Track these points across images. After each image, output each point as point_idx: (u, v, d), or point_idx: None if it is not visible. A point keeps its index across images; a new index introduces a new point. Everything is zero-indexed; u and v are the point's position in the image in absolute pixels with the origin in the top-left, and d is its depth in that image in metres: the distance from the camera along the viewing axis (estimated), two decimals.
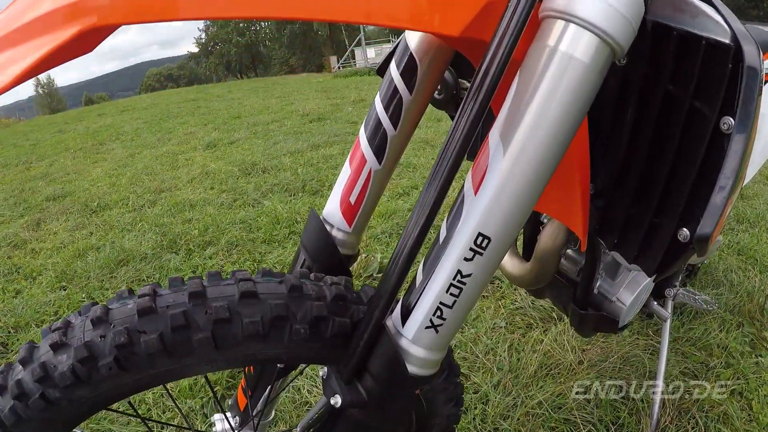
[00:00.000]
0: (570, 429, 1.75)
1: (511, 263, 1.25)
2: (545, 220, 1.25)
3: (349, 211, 1.06)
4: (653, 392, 1.79)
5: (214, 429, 1.14)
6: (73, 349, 0.73)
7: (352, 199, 1.05)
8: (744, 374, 1.94)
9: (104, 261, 3.39)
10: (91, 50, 0.60)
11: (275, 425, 1.84)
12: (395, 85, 0.99)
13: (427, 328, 0.79)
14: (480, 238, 0.73)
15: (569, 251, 1.27)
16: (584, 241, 0.94)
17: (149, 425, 1.66)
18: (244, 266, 3.15)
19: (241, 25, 70.66)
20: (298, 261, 1.05)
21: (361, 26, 41.47)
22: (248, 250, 3.36)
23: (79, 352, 0.73)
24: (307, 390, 1.98)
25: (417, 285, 0.80)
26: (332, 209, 1.07)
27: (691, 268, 2.44)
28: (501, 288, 2.64)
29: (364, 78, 18.74)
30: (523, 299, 2.49)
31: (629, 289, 1.23)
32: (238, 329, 0.78)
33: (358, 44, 38.91)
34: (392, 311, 0.84)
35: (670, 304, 1.70)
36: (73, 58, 0.60)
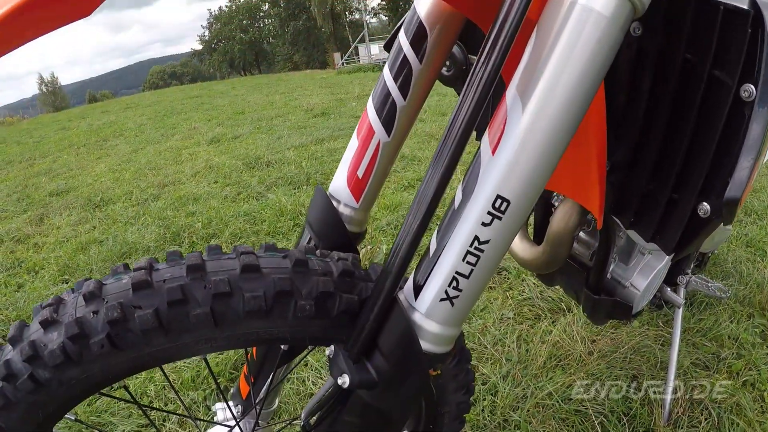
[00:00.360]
0: (581, 420, 1.71)
1: (521, 247, 1.21)
2: (556, 203, 1.21)
3: (356, 186, 1.02)
4: (664, 384, 1.76)
5: (215, 419, 1.10)
6: (64, 326, 0.69)
7: (360, 173, 1.01)
8: (756, 365, 1.90)
9: (107, 254, 3.38)
10: (88, 14, 0.57)
11: (278, 415, 1.81)
12: (404, 55, 0.95)
13: (441, 300, 0.75)
14: (498, 201, 0.69)
15: (582, 234, 1.24)
16: (600, 219, 0.90)
17: (148, 414, 1.63)
18: None
19: (244, 22, 70.68)
20: (303, 239, 1.01)
21: (365, 23, 41.45)
22: (252, 242, 3.33)
23: (69, 328, 0.69)
24: (312, 381, 1.95)
25: (430, 255, 0.76)
26: (339, 184, 1.03)
27: (701, 258, 2.41)
28: (508, 279, 2.60)
29: (368, 74, 18.68)
30: (531, 290, 2.45)
31: (643, 274, 1.20)
32: (239, 304, 0.73)
33: (362, 41, 38.85)
34: (403, 286, 0.80)
35: (682, 291, 1.66)
36: (70, 21, 0.56)
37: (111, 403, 1.97)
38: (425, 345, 0.77)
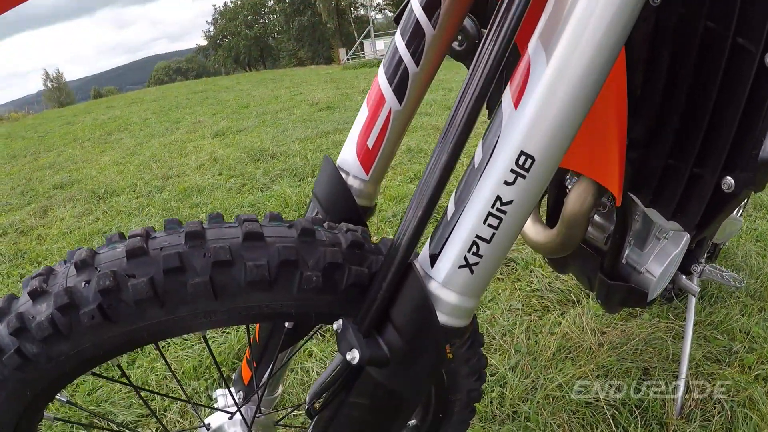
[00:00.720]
0: (592, 413, 1.68)
1: (534, 230, 1.17)
2: (570, 186, 1.18)
3: (366, 156, 0.97)
4: (677, 376, 1.73)
5: (216, 406, 1.05)
6: (53, 296, 0.65)
7: (370, 143, 0.96)
8: None
9: None
10: None
11: (282, 405, 1.78)
12: (417, 20, 0.90)
13: (461, 267, 0.70)
14: (522, 158, 0.64)
15: (596, 217, 1.20)
16: (619, 196, 0.86)
17: (143, 396, 1.59)
18: None
19: (249, 17, 70.64)
20: (310, 211, 0.97)
21: (370, 18, 41.38)
22: None
23: (58, 299, 0.65)
24: (316, 372, 1.92)
25: (448, 218, 0.71)
26: (348, 156, 0.99)
27: (712, 249, 2.37)
28: (516, 270, 2.57)
29: (374, 69, 18.61)
30: (540, 281, 2.42)
31: (658, 260, 1.16)
32: (241, 274, 0.69)
33: (367, 36, 38.81)
34: (416, 257, 0.76)
35: (696, 280, 1.63)
36: None
37: (111, 393, 1.95)
38: (442, 317, 0.72)
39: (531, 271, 2.52)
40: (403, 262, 0.70)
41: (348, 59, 33.74)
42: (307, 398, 0.85)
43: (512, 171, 0.65)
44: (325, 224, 0.80)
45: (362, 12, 58.59)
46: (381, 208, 3.49)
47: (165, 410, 1.82)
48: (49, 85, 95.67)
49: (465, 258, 0.69)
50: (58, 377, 0.69)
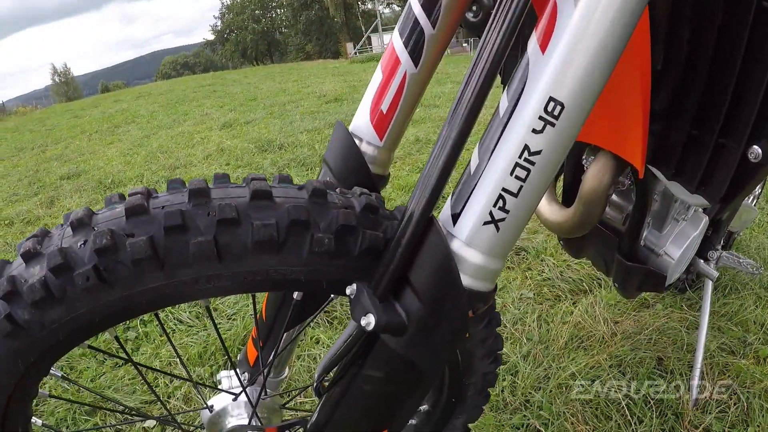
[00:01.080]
0: (607, 403, 1.64)
1: (550, 210, 1.13)
2: (587, 165, 1.14)
3: (380, 121, 0.93)
4: (692, 366, 1.70)
5: (219, 386, 1.01)
6: (47, 256, 0.62)
7: (384, 108, 0.93)
8: None
9: None
10: None
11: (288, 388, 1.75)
12: None
13: (485, 224, 0.66)
14: (551, 105, 0.61)
15: (615, 197, 1.16)
16: (642, 169, 0.83)
17: (148, 382, 1.56)
18: None
19: (256, 12, 70.53)
20: (321, 179, 0.93)
21: (377, 12, 41.32)
22: None
23: (52, 259, 0.61)
24: None
25: (471, 171, 0.67)
26: (361, 122, 0.95)
27: (727, 238, 2.33)
28: (527, 259, 2.54)
29: None
30: (551, 270, 2.38)
31: (677, 242, 1.14)
32: (247, 234, 0.64)
33: (375, 30, 38.73)
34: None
35: (713, 266, 1.59)
36: None
37: (114, 380, 1.93)
38: (466, 280, 0.67)
39: (542, 260, 2.49)
40: (424, 217, 0.66)
41: (356, 53, 33.68)
42: (316, 374, 0.80)
43: (540, 118, 0.61)
44: (337, 189, 0.76)
45: (369, 6, 58.46)
46: (389, 198, 3.46)
47: (168, 397, 1.80)
48: (57, 79, 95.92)
49: (490, 213, 0.65)
50: (52, 347, 0.65)
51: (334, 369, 0.80)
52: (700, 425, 1.56)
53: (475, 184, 0.66)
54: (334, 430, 0.81)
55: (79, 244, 0.62)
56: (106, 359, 2.08)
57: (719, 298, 2.15)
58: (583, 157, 1.15)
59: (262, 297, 1.07)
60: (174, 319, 2.30)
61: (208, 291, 0.66)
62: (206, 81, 17.43)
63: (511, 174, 0.63)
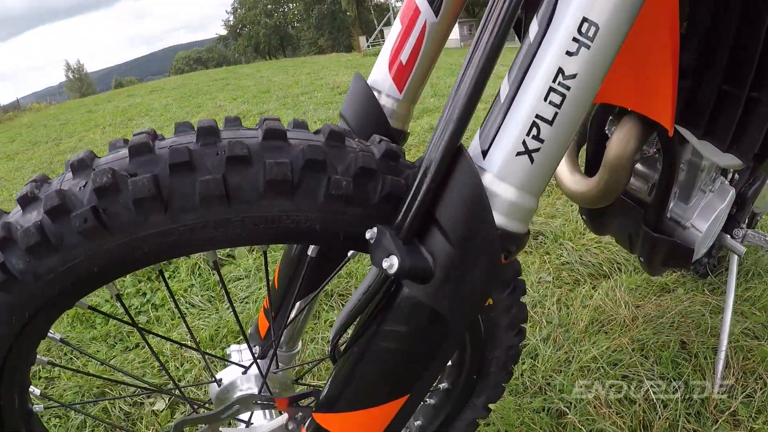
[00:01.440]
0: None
1: (573, 180, 1.08)
2: (611, 133, 1.09)
3: (399, 73, 0.89)
4: (717, 349, 1.65)
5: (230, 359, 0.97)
6: (43, 199, 0.57)
7: (404, 58, 0.89)
8: None
9: None
10: None
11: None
12: None
13: (519, 154, 0.60)
14: (585, 25, 0.57)
15: (640, 166, 1.11)
16: (671, 127, 0.78)
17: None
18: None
19: (269, 6, 70.61)
20: None
21: (390, 6, 41.24)
22: None
23: (49, 200, 0.57)
24: None
25: (501, 100, 0.62)
26: (379, 74, 0.91)
27: (750, 219, 2.28)
28: (545, 244, 2.50)
29: None
30: (570, 254, 2.34)
31: (704, 215, 1.10)
32: (259, 174, 0.59)
33: (387, 23, 38.64)
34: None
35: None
36: None
37: (125, 363, 1.91)
38: (498, 218, 0.62)
39: (560, 244, 2.44)
40: (451, 147, 0.60)
41: (368, 47, 33.61)
42: (331, 335, 0.73)
43: (574, 40, 0.57)
44: (356, 139, 0.71)
45: (382, 0, 58.37)
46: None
47: (179, 380, 1.78)
48: (71, 76, 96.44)
49: (524, 143, 0.60)
50: (48, 303, 0.61)
51: (353, 327, 0.73)
52: (726, 410, 1.51)
53: (506, 113, 0.61)
54: (351, 399, 0.73)
55: (78, 187, 0.58)
56: (116, 343, 2.05)
57: (741, 283, 2.10)
58: (607, 126, 1.11)
59: (273, 269, 1.03)
60: (186, 303, 2.28)
61: (216, 240, 0.62)
62: (219, 75, 17.45)
63: (545, 99, 0.59)
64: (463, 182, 0.60)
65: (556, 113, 0.59)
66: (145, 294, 2.41)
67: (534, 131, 0.59)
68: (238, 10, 73.15)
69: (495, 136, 0.62)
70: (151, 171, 0.58)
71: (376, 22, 47.13)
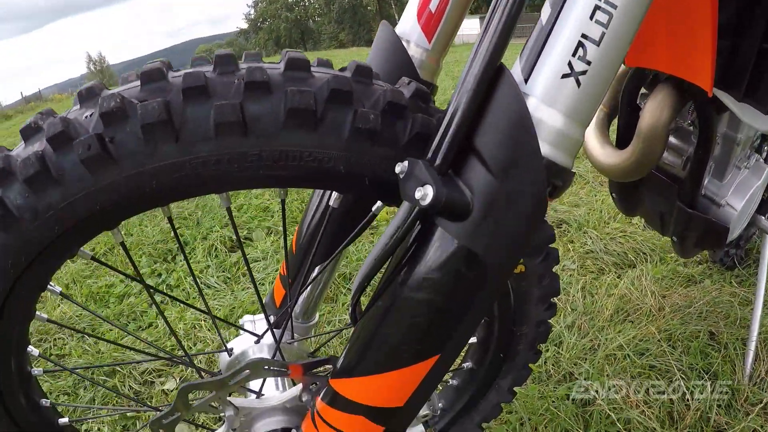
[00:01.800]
0: (657, 375, 1.54)
1: (604, 153, 1.03)
2: (642, 105, 1.05)
3: (429, 22, 0.84)
4: (747, 340, 1.61)
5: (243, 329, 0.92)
6: (46, 126, 0.53)
7: (433, 6, 0.84)
8: None
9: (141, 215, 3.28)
10: None
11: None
12: None
13: (564, 77, 0.55)
14: None
15: (673, 139, 1.06)
16: (710, 90, 0.74)
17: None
18: (291, 206, 2.97)
19: (289, 0, 70.67)
20: None
21: None
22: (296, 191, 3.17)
23: (51, 128, 0.52)
24: None
25: (543, 22, 0.56)
26: (407, 24, 0.86)
27: None
28: (569, 232, 2.45)
29: None
30: (594, 243, 2.28)
31: (739, 193, 1.06)
32: (280, 103, 0.54)
33: None
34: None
35: None
36: None
37: (137, 342, 1.87)
38: (543, 147, 0.55)
39: (584, 233, 2.40)
40: (491, 65, 0.54)
41: None
42: (353, 288, 0.64)
43: None
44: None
45: None
46: None
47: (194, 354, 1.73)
48: (92, 68, 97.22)
49: (569, 64, 0.54)
50: (48, 247, 0.57)
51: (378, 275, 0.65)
52: (758, 403, 1.45)
53: (549, 33, 0.56)
54: (374, 360, 0.65)
55: (85, 116, 0.53)
56: (129, 323, 2.03)
57: None
58: (638, 100, 1.06)
59: (291, 231, 0.99)
60: (202, 283, 2.25)
61: (230, 179, 0.56)
62: None
63: (591, 18, 0.53)
64: (505, 105, 0.54)
65: (603, 33, 0.53)
66: (160, 275, 2.39)
67: (580, 51, 0.54)
68: (259, 4, 73.34)
69: (537, 58, 0.56)
70: (162, 97, 0.53)
71: (396, 17, 47.08)
